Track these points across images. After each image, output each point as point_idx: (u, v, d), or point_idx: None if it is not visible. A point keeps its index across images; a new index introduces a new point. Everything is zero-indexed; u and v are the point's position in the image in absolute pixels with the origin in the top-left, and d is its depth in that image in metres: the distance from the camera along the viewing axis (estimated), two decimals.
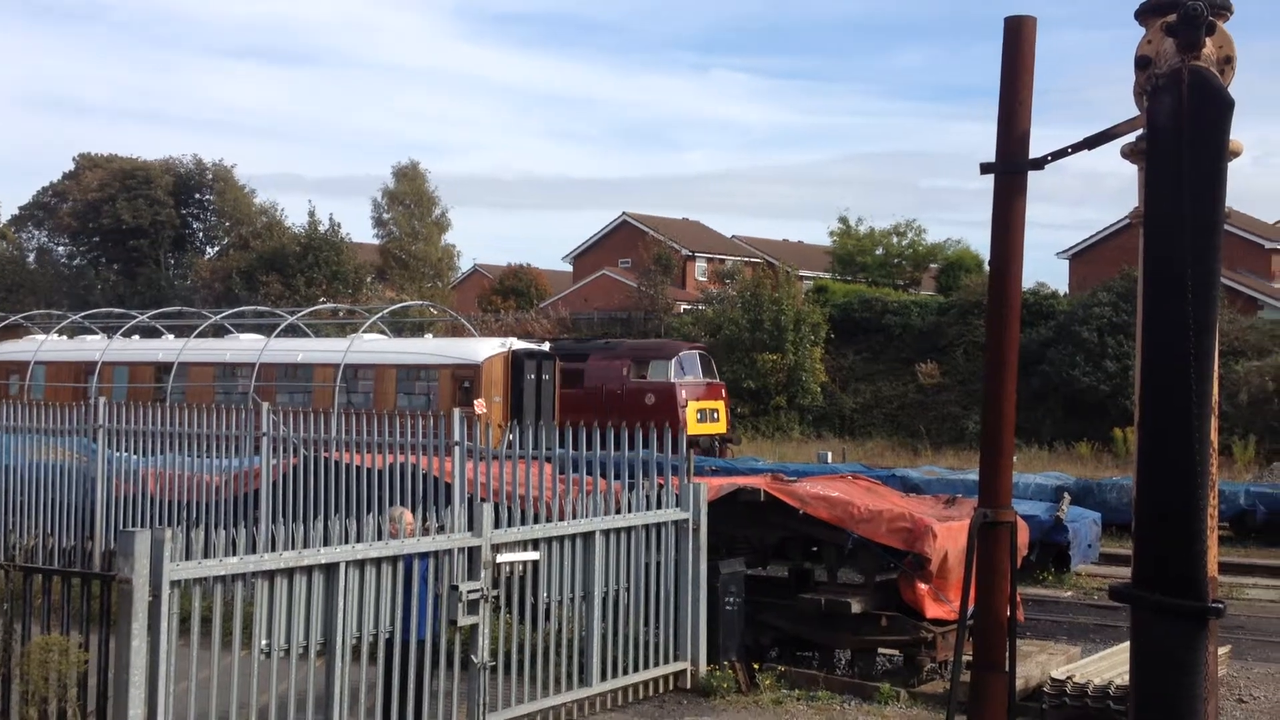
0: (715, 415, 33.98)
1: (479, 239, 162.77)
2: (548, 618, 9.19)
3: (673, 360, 33.89)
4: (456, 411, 12.53)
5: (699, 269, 68.19)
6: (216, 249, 62.72)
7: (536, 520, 9.37)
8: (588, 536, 9.46)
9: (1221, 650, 10.36)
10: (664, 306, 52.81)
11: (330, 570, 7.57)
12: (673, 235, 64.71)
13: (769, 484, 11.01)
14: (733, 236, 75.93)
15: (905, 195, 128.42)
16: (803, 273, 60.13)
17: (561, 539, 9.27)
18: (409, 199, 60.58)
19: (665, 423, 33.97)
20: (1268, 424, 34.04)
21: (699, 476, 11.48)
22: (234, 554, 7.18)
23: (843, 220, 66.11)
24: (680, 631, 10.19)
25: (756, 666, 10.41)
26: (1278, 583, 17.35)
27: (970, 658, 5.48)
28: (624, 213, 71.82)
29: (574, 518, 9.40)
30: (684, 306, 55.13)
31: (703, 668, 10.19)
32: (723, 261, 66.96)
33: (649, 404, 32.60)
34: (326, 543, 7.61)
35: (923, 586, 10.14)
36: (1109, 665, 9.99)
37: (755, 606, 10.81)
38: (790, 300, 44.91)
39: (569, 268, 74.38)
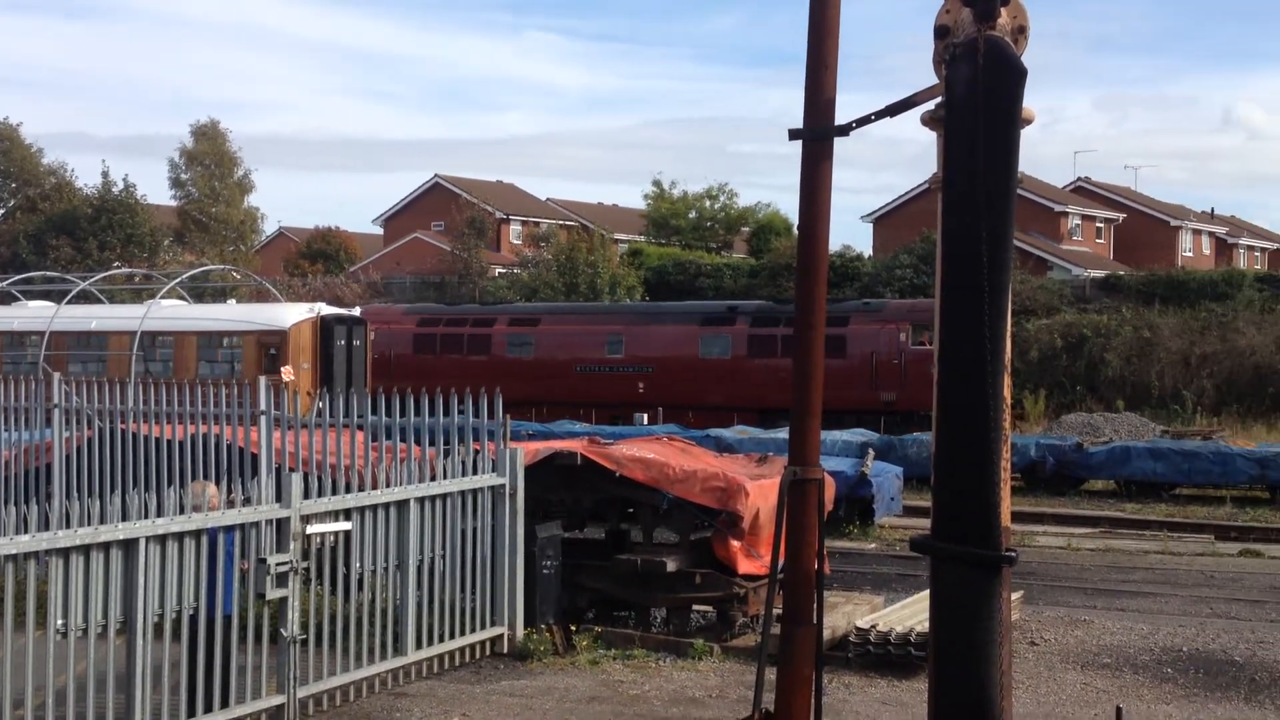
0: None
1: (285, 201, 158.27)
2: (361, 588, 9.04)
3: None
4: (262, 379, 12.17)
5: (514, 232, 67.80)
6: (1, 211, 59.26)
7: (348, 490, 9.18)
8: (402, 505, 9.32)
9: (1014, 595, 10.88)
10: (478, 270, 52.35)
11: (129, 546, 7.28)
12: (486, 198, 64.12)
13: (585, 447, 11.05)
14: (547, 199, 75.70)
15: (717, 159, 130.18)
16: (618, 236, 60.47)
17: (374, 508, 9.12)
18: (209, 159, 58.34)
19: None
20: (1057, 379, 35.92)
21: (516, 441, 11.44)
22: (25, 532, 6.84)
23: (656, 184, 66.68)
24: (497, 597, 10.17)
25: (574, 628, 10.48)
26: (1066, 530, 18.35)
27: (780, 611, 5.62)
28: (436, 175, 70.82)
29: (387, 486, 9.26)
30: (499, 270, 54.77)
31: (520, 632, 10.20)
32: (538, 224, 66.72)
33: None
34: (125, 518, 7.32)
35: (735, 544, 10.35)
36: (910, 613, 10.40)
37: (572, 569, 10.87)
38: (605, 263, 45.11)
39: (380, 231, 73.01)
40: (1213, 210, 75.18)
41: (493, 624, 10.15)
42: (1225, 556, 16.12)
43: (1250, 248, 75.10)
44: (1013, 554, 4.54)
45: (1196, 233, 68.72)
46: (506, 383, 32.41)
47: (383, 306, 38.63)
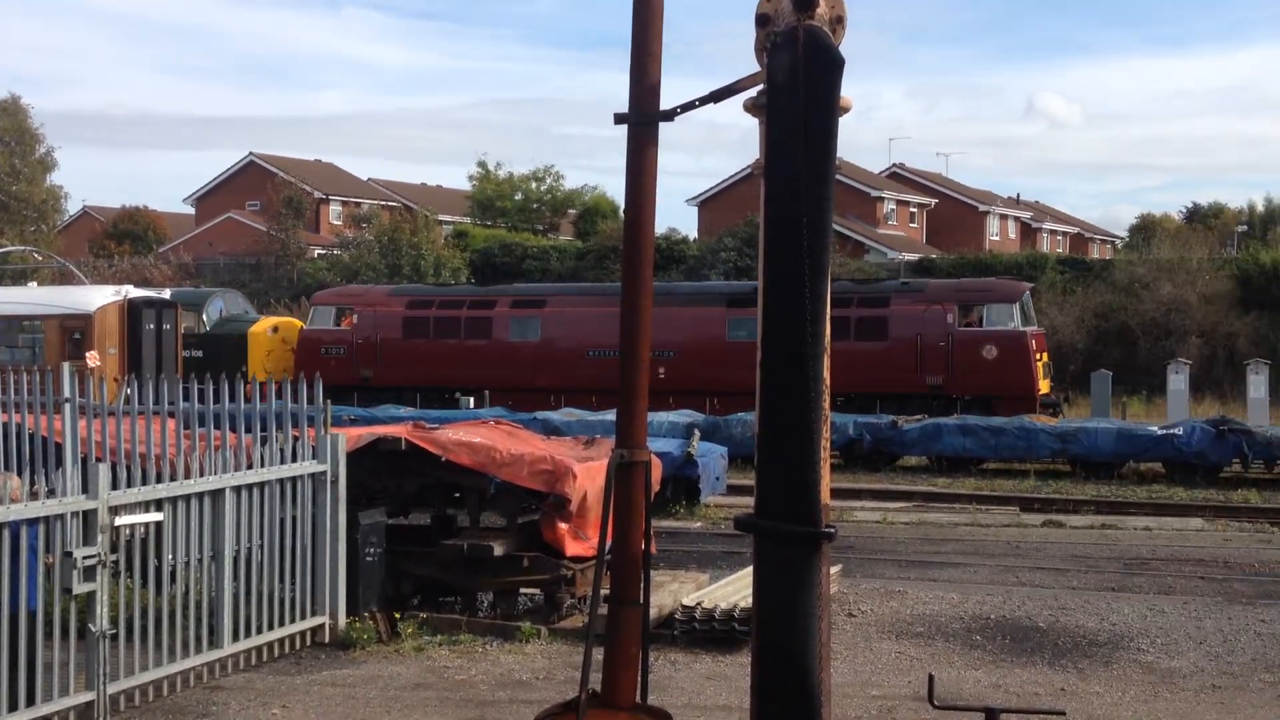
0: (1049, 371, 28.19)
1: (91, 181, 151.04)
2: (175, 580, 8.74)
3: (1016, 303, 27.51)
4: (66, 365, 11.62)
5: (334, 212, 66.37)
6: None
7: (160, 480, 8.86)
8: (216, 494, 9.04)
9: (834, 569, 11.20)
10: (296, 251, 51.08)
11: None
12: (304, 177, 62.53)
13: (410, 432, 10.90)
14: (369, 179, 74.31)
15: (543, 141, 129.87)
16: (442, 217, 59.74)
17: (188, 498, 8.82)
18: (9, 136, 55.41)
19: (1013, 381, 27.37)
20: None
21: (338, 427, 11.21)
22: None
23: (481, 165, 66.14)
24: (318, 586, 9.96)
25: (399, 616, 10.34)
26: (882, 505, 18.95)
27: (608, 591, 5.65)
28: (251, 153, 68.75)
29: (201, 475, 8.96)
30: (318, 251, 53.52)
31: (342, 621, 10.01)
32: (359, 205, 65.42)
33: (988, 358, 26.63)
34: None
35: (563, 526, 10.36)
36: (734, 590, 10.60)
37: (397, 556, 10.72)
38: (430, 244, 44.56)
39: (191, 210, 70.54)
40: (1018, 196, 78.57)
41: (314, 614, 9.94)
42: (1030, 527, 16.89)
43: (1053, 232, 78.77)
44: (832, 530, 4.65)
45: (1003, 217, 71.70)
46: (510, 368, 29.69)
47: (363, 287, 35.72)
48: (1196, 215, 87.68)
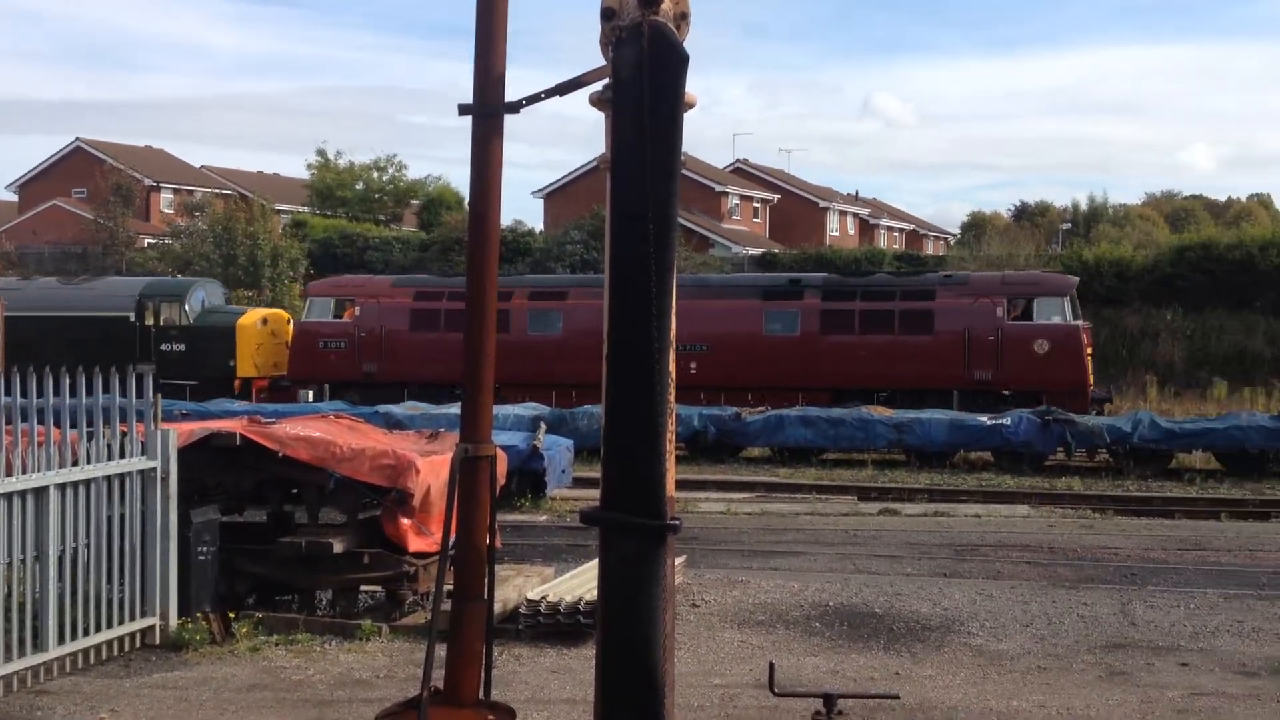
0: (1094, 365, 27.61)
1: None
2: None
3: (1067, 297, 26.86)
4: None
5: (165, 201, 64.19)
6: None
7: None
8: (39, 492, 8.65)
9: (678, 561, 11.29)
10: (125, 240, 49.24)
11: None
12: (134, 164, 60.32)
13: (245, 427, 10.59)
14: (202, 167, 72.08)
15: (386, 130, 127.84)
16: (280, 206, 58.30)
17: (9, 496, 8.42)
18: None
19: (1065, 376, 26.32)
20: None
21: (169, 422, 10.83)
22: None
23: (321, 153, 64.75)
24: (149, 586, 9.62)
25: (233, 615, 10.06)
26: (726, 495, 19.21)
27: (451, 587, 5.59)
28: (78, 138, 66.09)
29: (23, 473, 8.56)
30: (149, 240, 51.69)
31: (174, 622, 9.69)
32: (191, 193, 63.37)
33: (1039, 352, 25.92)
34: None
35: (406, 521, 10.21)
36: (580, 583, 10.61)
37: (232, 554, 10.42)
38: (266, 234, 43.44)
39: (14, 197, 67.42)
40: (857, 193, 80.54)
41: (144, 615, 9.60)
42: (867, 516, 17.33)
43: (890, 228, 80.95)
44: (677, 522, 4.68)
45: (843, 214, 73.41)
46: (529, 363, 28.06)
47: (364, 277, 33.62)
48: (1024, 213, 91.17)
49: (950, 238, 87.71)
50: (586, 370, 27.04)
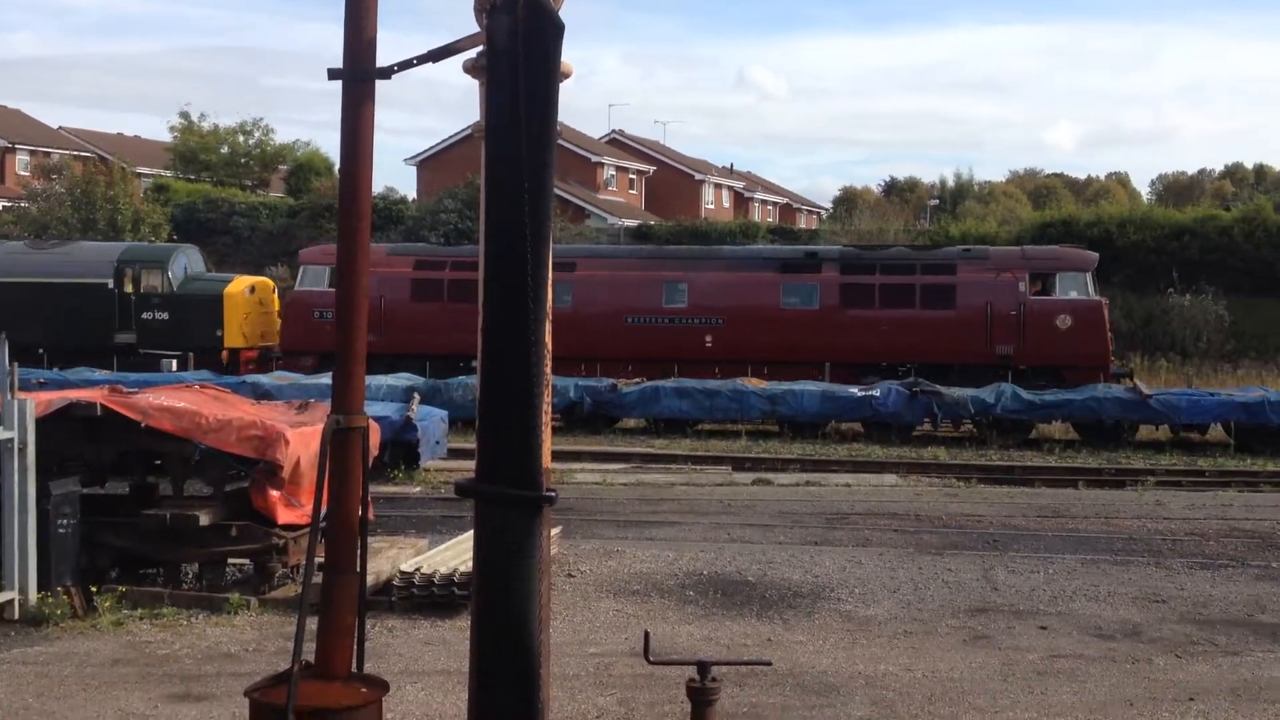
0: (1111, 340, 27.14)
1: None
2: None
3: (1089, 272, 26.52)
4: None
5: (20, 163, 61.68)
6: None
7: None
8: None
9: (554, 531, 11.30)
10: None
11: None
12: None
13: (106, 397, 10.27)
14: (60, 128, 69.38)
15: (251, 92, 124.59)
16: (141, 169, 56.49)
17: None
18: None
19: (1087, 351, 25.90)
20: None
21: (26, 391, 10.44)
22: None
23: (184, 116, 62.70)
24: (6, 560, 9.29)
25: (95, 589, 9.78)
26: (602, 466, 19.28)
27: (323, 560, 5.50)
28: None
29: None
30: (2, 204, 49.65)
31: (33, 596, 9.39)
32: (48, 155, 60.96)
33: (1061, 327, 25.70)
34: None
35: (275, 493, 10.03)
36: (454, 554, 10.55)
37: (93, 527, 10.12)
38: (127, 198, 42.04)
39: None
40: (732, 165, 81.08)
41: (1, 589, 9.27)
42: (741, 486, 17.56)
43: (764, 202, 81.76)
44: (553, 494, 4.67)
45: (718, 186, 73.87)
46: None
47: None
48: (894, 189, 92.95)
49: (823, 212, 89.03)
50: (599, 343, 26.56)
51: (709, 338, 26.53)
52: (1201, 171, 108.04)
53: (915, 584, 11.10)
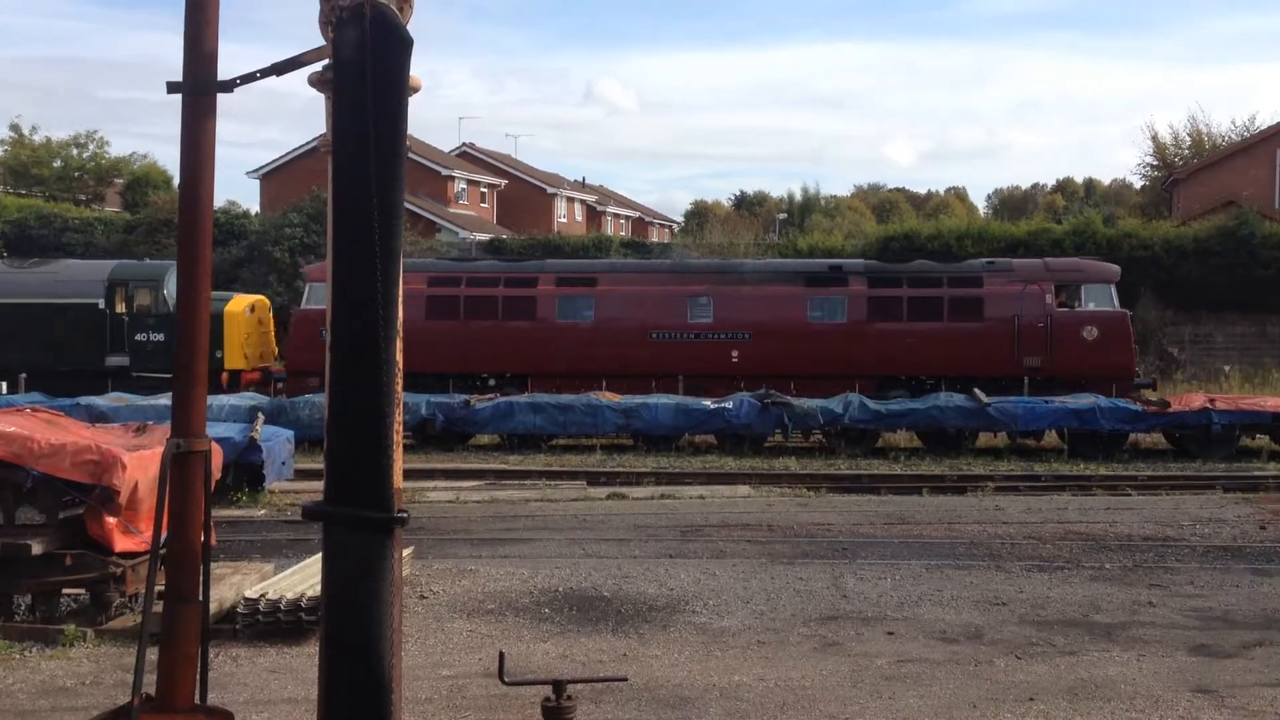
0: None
1: None
2: None
3: (1113, 284, 26.58)
4: None
5: None
6: None
7: None
8: None
9: (406, 552, 11.14)
10: None
11: None
12: None
13: None
14: None
15: (85, 105, 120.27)
16: None
17: None
18: None
19: (1112, 362, 25.87)
20: None
21: None
22: None
23: (14, 128, 60.18)
24: None
25: None
26: (455, 484, 19.08)
27: (163, 588, 5.32)
28: None
29: None
30: None
31: None
32: None
33: (1088, 339, 25.75)
34: None
35: (111, 520, 9.66)
36: (301, 579, 10.30)
37: None
38: None
39: None
40: (584, 179, 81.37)
41: None
42: (596, 500, 17.56)
43: (616, 215, 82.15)
44: (404, 515, 4.60)
45: (570, 200, 73.97)
46: (558, 351, 26.86)
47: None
48: (744, 203, 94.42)
49: (675, 225, 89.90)
50: (621, 359, 26.46)
51: (735, 352, 26.49)
52: (1034, 185, 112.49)
53: (768, 594, 11.25)
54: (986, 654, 9.32)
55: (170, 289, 28.80)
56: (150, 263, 33.26)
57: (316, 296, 27.72)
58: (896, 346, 26.15)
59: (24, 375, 26.61)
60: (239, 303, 29.11)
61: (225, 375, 27.86)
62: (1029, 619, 10.39)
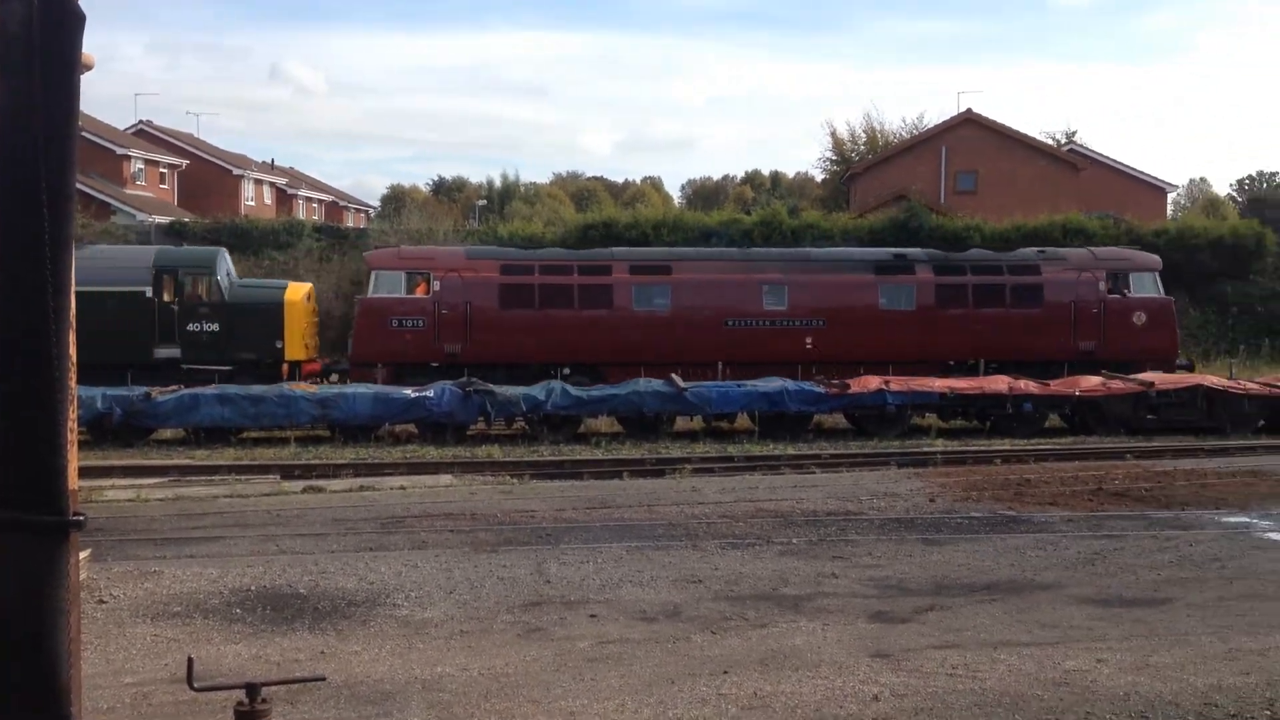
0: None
1: None
2: None
3: (1156, 272, 28.01)
4: None
5: None
6: None
7: None
8: None
9: (83, 555, 10.47)
10: None
11: None
12: None
13: None
14: None
15: None
16: None
17: None
18: None
19: (1158, 346, 27.41)
20: None
21: None
22: None
23: None
24: None
25: None
26: (136, 481, 18.09)
27: None
28: None
29: None
30: None
31: None
32: None
33: (1137, 324, 27.18)
34: None
35: None
36: None
37: None
38: None
39: None
40: (273, 161, 78.63)
41: None
42: (291, 495, 17.04)
43: (309, 199, 79.81)
44: (81, 517, 4.31)
45: (259, 182, 71.29)
46: (634, 339, 26.24)
47: (432, 249, 29.52)
48: (442, 188, 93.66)
49: (371, 210, 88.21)
50: (697, 347, 26.57)
51: (810, 339, 27.08)
52: (725, 177, 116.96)
53: (471, 583, 11.23)
54: (684, 630, 9.64)
55: (220, 276, 26.84)
56: (196, 248, 30.92)
57: (384, 285, 26.74)
58: (963, 332, 27.41)
59: None
60: (297, 290, 27.53)
61: (286, 366, 26.34)
62: (723, 595, 10.81)
